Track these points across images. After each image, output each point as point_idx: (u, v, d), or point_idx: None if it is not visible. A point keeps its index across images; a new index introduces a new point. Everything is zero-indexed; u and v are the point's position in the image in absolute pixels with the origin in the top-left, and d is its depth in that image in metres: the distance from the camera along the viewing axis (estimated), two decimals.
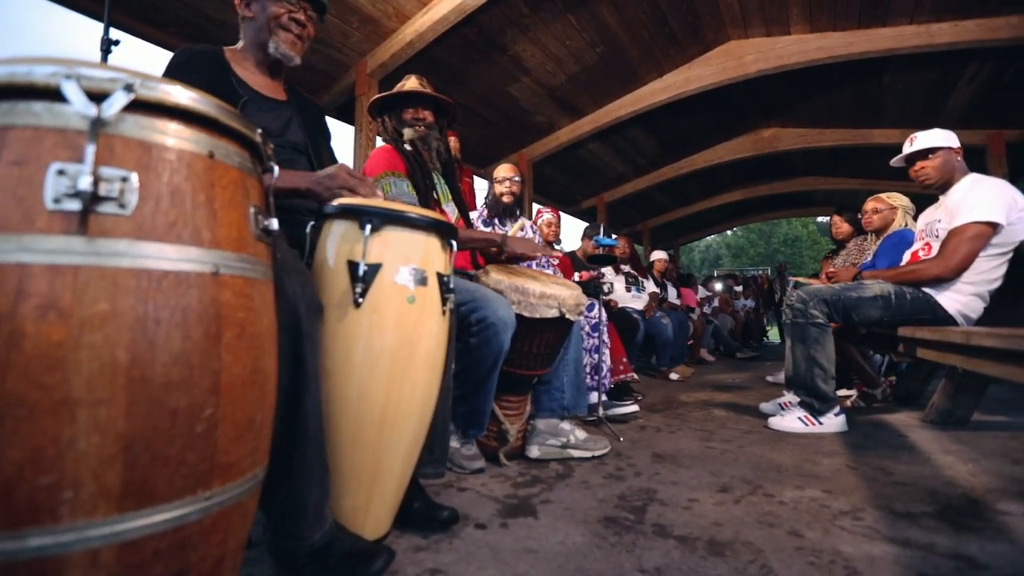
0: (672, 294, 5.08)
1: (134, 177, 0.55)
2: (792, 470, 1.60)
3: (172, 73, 1.17)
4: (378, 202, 1.01)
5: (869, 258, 2.64)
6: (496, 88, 4.51)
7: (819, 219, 26.70)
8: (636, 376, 3.05)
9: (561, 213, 3.50)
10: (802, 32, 4.17)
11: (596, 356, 2.31)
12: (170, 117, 0.59)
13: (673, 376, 3.93)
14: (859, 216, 2.86)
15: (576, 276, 3.11)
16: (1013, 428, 2.13)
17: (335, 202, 1.00)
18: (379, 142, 1.88)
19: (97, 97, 0.54)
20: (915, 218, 2.65)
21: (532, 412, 1.79)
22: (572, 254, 3.62)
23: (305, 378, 0.85)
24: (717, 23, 4.20)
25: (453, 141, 3.17)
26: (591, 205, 7.69)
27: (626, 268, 4.13)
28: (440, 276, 1.04)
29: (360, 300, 0.93)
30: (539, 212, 3.28)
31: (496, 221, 2.54)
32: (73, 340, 0.50)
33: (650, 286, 4.28)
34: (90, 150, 0.52)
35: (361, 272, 0.92)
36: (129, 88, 0.55)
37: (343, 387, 0.94)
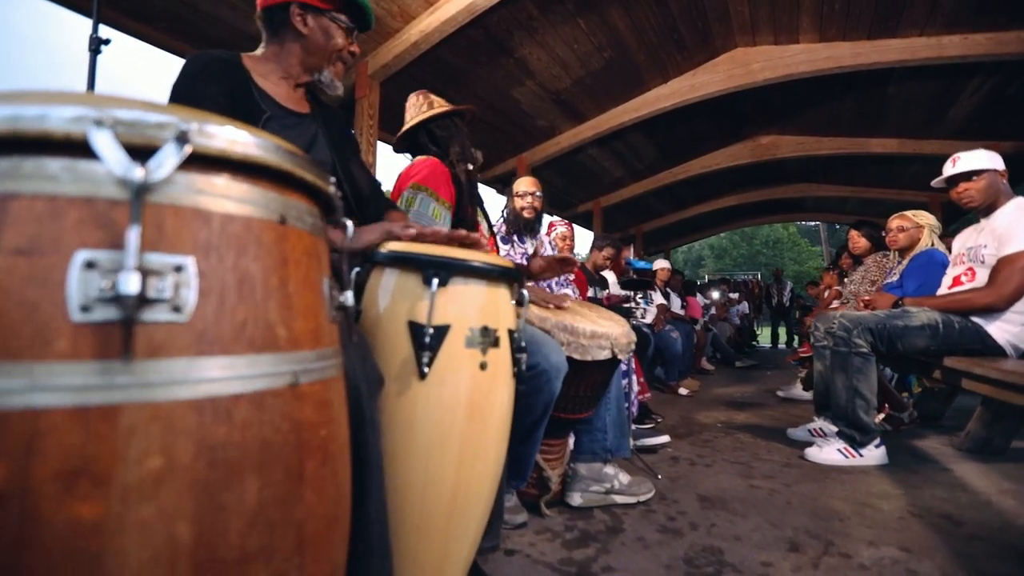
0: (676, 304, 4.99)
1: (191, 264, 0.39)
2: (854, 518, 1.49)
3: (187, 82, 1.00)
4: (436, 248, 0.85)
5: (895, 278, 2.57)
6: (499, 92, 4.35)
7: (800, 222, 27.17)
8: (650, 394, 2.94)
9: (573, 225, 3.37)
10: (811, 41, 4.11)
11: (624, 381, 2.18)
12: (233, 173, 0.43)
13: (682, 391, 3.84)
14: (883, 233, 2.79)
15: (590, 290, 2.98)
16: None
17: (387, 247, 0.85)
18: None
19: (139, 151, 0.38)
20: (940, 237, 2.60)
21: (572, 455, 1.65)
22: (583, 266, 3.49)
23: (369, 475, 0.70)
24: (726, 30, 4.12)
25: None
26: (587, 210, 7.58)
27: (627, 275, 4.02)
28: (512, 334, 0.89)
29: (426, 371, 0.77)
30: (552, 225, 3.14)
31: (515, 237, 2.39)
32: (115, 519, 0.34)
33: (658, 298, 4.18)
34: (133, 234, 0.36)
35: (427, 338, 0.77)
36: (183, 137, 0.39)
37: (406, 473, 0.79)
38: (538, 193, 2.36)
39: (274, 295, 0.45)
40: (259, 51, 1.17)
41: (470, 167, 1.64)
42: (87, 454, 0.34)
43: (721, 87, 4.48)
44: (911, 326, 1.89)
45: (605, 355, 1.36)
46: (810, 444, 2.21)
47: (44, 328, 0.34)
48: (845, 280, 3.47)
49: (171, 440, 0.36)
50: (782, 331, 9.93)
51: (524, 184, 2.34)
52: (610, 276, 3.73)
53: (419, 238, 0.88)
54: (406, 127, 1.71)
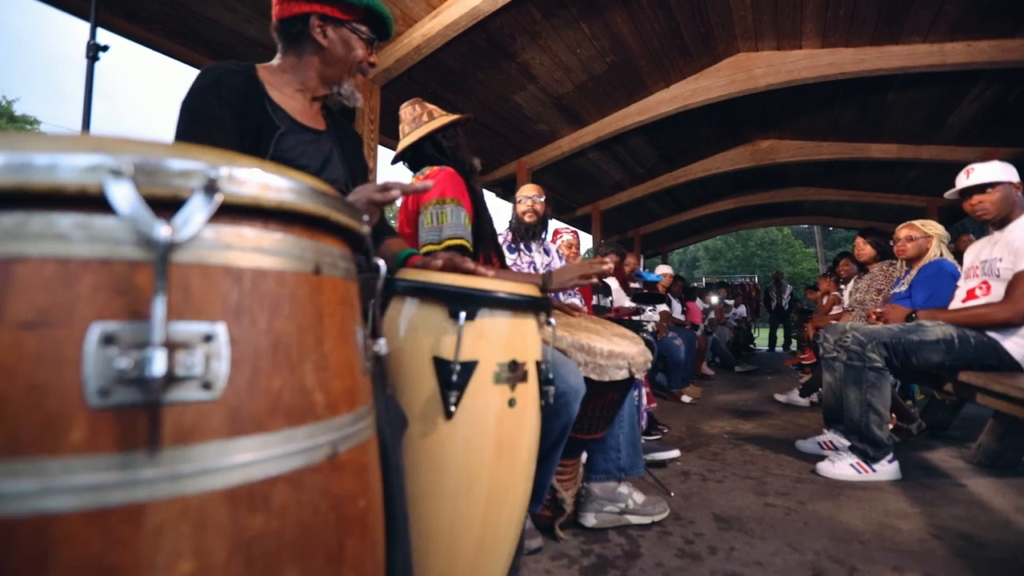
0: (677, 309, 4.97)
1: (222, 332, 0.35)
2: (874, 540, 1.46)
3: (199, 97, 0.95)
4: (459, 278, 0.80)
5: (904, 288, 2.54)
6: (501, 96, 4.31)
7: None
8: (655, 404, 2.90)
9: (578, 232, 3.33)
10: (813, 47, 4.10)
11: (635, 393, 2.14)
12: (265, 221, 0.39)
13: (685, 399, 3.81)
14: (890, 242, 2.77)
15: (594, 298, 2.94)
16: None
17: (407, 276, 0.80)
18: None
19: (162, 203, 0.33)
20: (949, 247, 2.58)
21: (585, 474, 1.61)
22: None
23: (395, 526, 0.65)
24: (728, 35, 4.10)
25: None
26: (586, 213, 7.55)
27: (635, 285, 3.99)
28: (539, 365, 0.85)
29: (453, 410, 0.73)
30: (557, 232, 3.11)
31: (522, 246, 2.35)
32: None
33: (660, 305, 4.15)
34: (160, 306, 0.31)
35: (454, 375, 0.72)
36: (211, 186, 0.34)
37: (432, 518, 0.74)
38: (540, 198, 2.32)
39: (310, 356, 0.40)
40: (275, 62, 1.13)
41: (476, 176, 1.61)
42: (109, 564, 0.29)
43: (723, 92, 4.47)
44: (926, 340, 1.86)
45: (623, 375, 1.32)
46: (820, 457, 2.18)
47: (56, 417, 0.30)
48: (849, 287, 3.45)
49: (203, 539, 0.32)
50: (780, 333, 9.95)
51: (526, 190, 2.31)
52: (613, 283, 3.70)
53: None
54: (412, 139, 1.66)
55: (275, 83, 1.08)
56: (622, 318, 2.45)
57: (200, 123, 0.92)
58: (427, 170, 1.59)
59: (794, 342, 8.93)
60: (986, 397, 1.82)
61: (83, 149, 0.32)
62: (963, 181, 1.99)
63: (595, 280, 1.51)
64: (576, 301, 2.43)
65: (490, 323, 0.77)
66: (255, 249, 0.37)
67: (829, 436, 2.35)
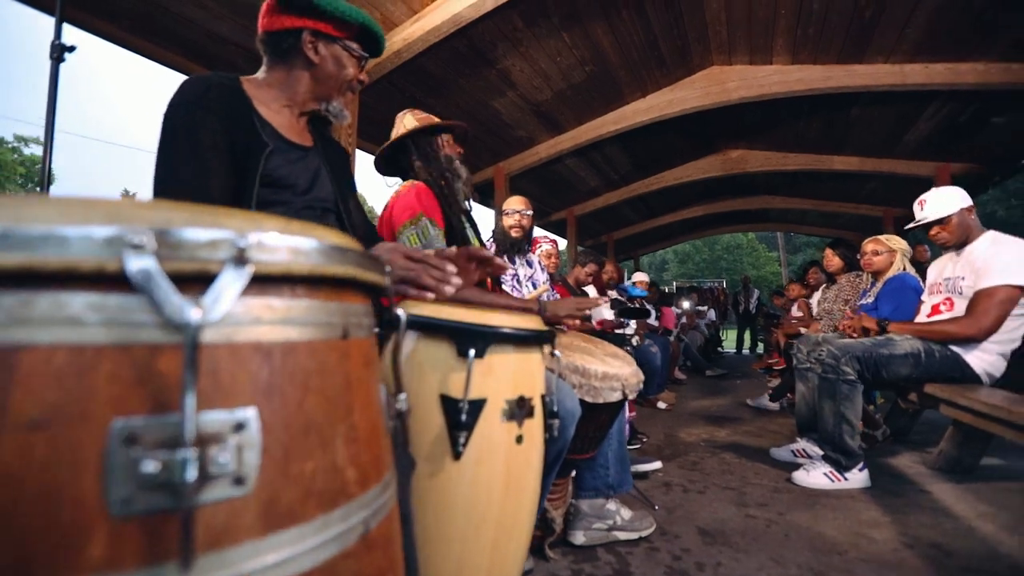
0: (651, 315, 5.05)
1: (254, 418, 0.32)
2: (852, 551, 1.51)
3: (184, 112, 0.89)
4: (464, 313, 0.78)
5: (871, 300, 2.66)
6: (480, 101, 4.29)
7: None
8: (635, 413, 2.93)
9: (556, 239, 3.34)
10: (784, 63, 4.24)
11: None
12: (294, 288, 0.36)
13: (661, 405, 3.87)
14: (857, 256, 2.88)
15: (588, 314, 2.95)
16: (1016, 475, 2.19)
17: (411, 309, 0.77)
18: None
19: (186, 279, 0.30)
20: (911, 260, 2.71)
21: (574, 491, 1.60)
22: (565, 281, 3.46)
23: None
24: (704, 48, 4.19)
25: None
26: (561, 218, 7.61)
27: (613, 294, 4.04)
28: (544, 399, 0.83)
29: (462, 450, 0.71)
30: (536, 241, 3.10)
31: (504, 258, 2.33)
32: None
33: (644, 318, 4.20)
34: (190, 401, 0.28)
35: (463, 415, 0.70)
36: (241, 257, 0.31)
37: (439, 562, 0.71)
38: (527, 212, 2.32)
39: (340, 430, 0.37)
40: (260, 75, 1.07)
41: (459, 185, 1.57)
42: None
43: (698, 103, 4.57)
44: (895, 354, 1.94)
45: (617, 397, 1.32)
46: (794, 465, 2.25)
47: (72, 530, 0.26)
48: (817, 296, 3.58)
49: None
50: (747, 336, 10.26)
51: (513, 203, 2.29)
52: (591, 291, 3.72)
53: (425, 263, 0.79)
54: (385, 145, 1.63)
55: (262, 98, 1.03)
56: (606, 331, 2.46)
57: (191, 144, 0.87)
58: (399, 186, 1.57)
59: (761, 345, 9.22)
60: (949, 408, 1.92)
61: (97, 219, 0.29)
62: (919, 213, 2.10)
63: (587, 313, 1.53)
64: None
65: (499, 359, 0.75)
66: (284, 321, 0.35)
67: (802, 444, 2.42)
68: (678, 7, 3.54)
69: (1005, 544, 1.55)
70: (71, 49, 1.41)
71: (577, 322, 1.48)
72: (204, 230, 0.31)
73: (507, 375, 0.76)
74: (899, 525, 1.70)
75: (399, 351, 0.50)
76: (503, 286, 2.04)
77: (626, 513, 1.60)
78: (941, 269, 2.18)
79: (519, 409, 0.77)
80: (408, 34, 3.10)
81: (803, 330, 4.37)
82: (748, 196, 8.20)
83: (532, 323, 0.80)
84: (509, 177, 5.54)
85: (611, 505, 1.59)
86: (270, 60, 1.06)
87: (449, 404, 0.72)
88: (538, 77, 4.10)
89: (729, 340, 11.30)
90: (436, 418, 0.72)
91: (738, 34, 3.94)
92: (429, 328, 0.75)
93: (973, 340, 1.88)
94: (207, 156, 0.87)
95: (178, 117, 0.89)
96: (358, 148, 3.61)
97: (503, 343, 0.75)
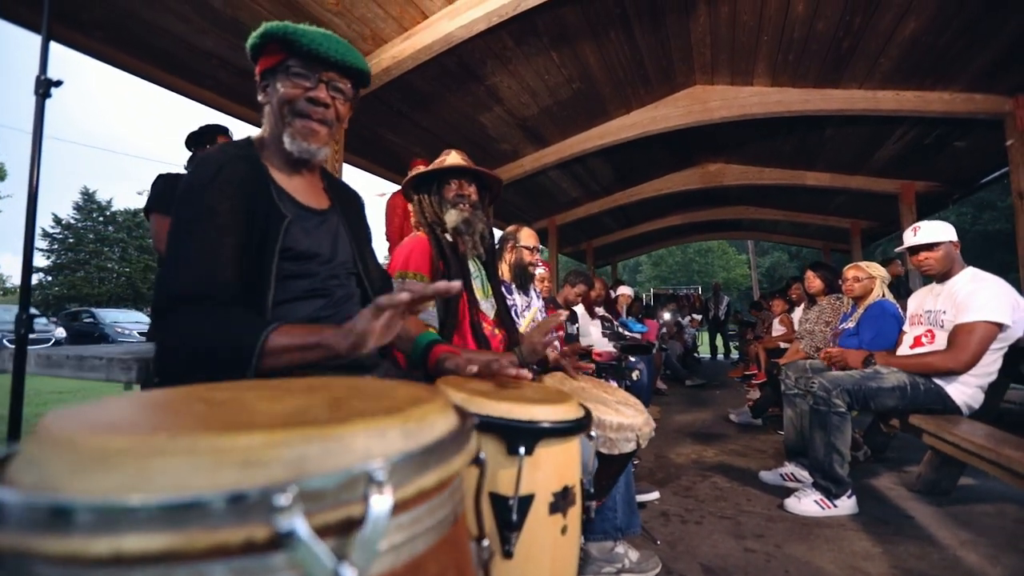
0: (653, 349, 5.10)
1: None
2: None
3: (198, 197, 0.85)
4: (515, 409, 0.75)
5: (852, 324, 2.76)
6: (466, 116, 4.26)
7: None
8: None
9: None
10: (763, 85, 4.36)
11: None
12: (419, 499, 0.34)
13: None
14: (840, 281, 2.98)
15: (580, 341, 2.96)
16: (991, 497, 2.30)
17: (473, 409, 0.75)
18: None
19: (331, 530, 0.28)
20: (889, 287, 2.82)
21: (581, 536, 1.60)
22: (555, 302, 3.47)
23: None
24: (687, 68, 4.27)
25: None
26: (542, 227, 7.63)
27: (600, 311, 4.07)
28: (582, 483, 0.83)
29: (512, 550, 0.69)
30: None
31: (514, 287, 2.32)
32: None
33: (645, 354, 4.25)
34: None
35: (514, 514, 0.69)
36: (379, 491, 0.29)
37: None
38: (541, 248, 2.33)
39: None
40: (263, 130, 1.04)
41: (447, 236, 1.55)
42: None
43: (680, 121, 4.65)
44: (883, 387, 2.02)
45: (631, 447, 1.33)
46: (784, 490, 2.32)
47: None
48: (798, 315, 3.69)
49: None
50: (719, 342, 10.52)
51: (532, 239, 2.27)
52: (579, 309, 3.74)
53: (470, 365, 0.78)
54: (405, 183, 1.63)
55: (271, 159, 1.00)
56: (603, 363, 2.48)
57: (208, 225, 0.83)
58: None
59: (735, 352, 9.46)
60: (933, 439, 2.01)
61: (232, 469, 0.27)
62: (911, 239, 2.18)
63: (558, 329, 1.54)
64: (556, 343, 2.43)
65: (544, 453, 0.74)
66: (411, 538, 0.33)
67: (791, 468, 2.49)
68: (664, 30, 3.60)
69: (983, 569, 1.63)
70: (58, 84, 1.32)
71: (556, 348, 1.48)
72: (341, 472, 0.29)
73: (552, 468, 0.75)
74: (890, 557, 1.77)
75: (481, 495, 0.49)
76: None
77: (633, 555, 1.61)
78: (921, 301, 2.27)
79: (563, 500, 0.76)
80: (398, 52, 3.06)
81: (783, 344, 4.52)
82: (723, 206, 8.41)
83: (572, 412, 0.79)
84: None
85: (619, 548, 1.60)
86: (264, 118, 1.03)
87: (499, 503, 0.70)
88: (525, 93, 4.10)
89: (703, 345, 11.56)
90: (485, 517, 0.71)
91: (721, 57, 4.03)
92: (479, 426, 0.73)
93: (954, 373, 1.98)
94: (222, 238, 0.84)
95: (189, 201, 0.85)
96: (344, 163, 3.53)
97: (553, 437, 0.74)
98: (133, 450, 0.27)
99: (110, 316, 13.60)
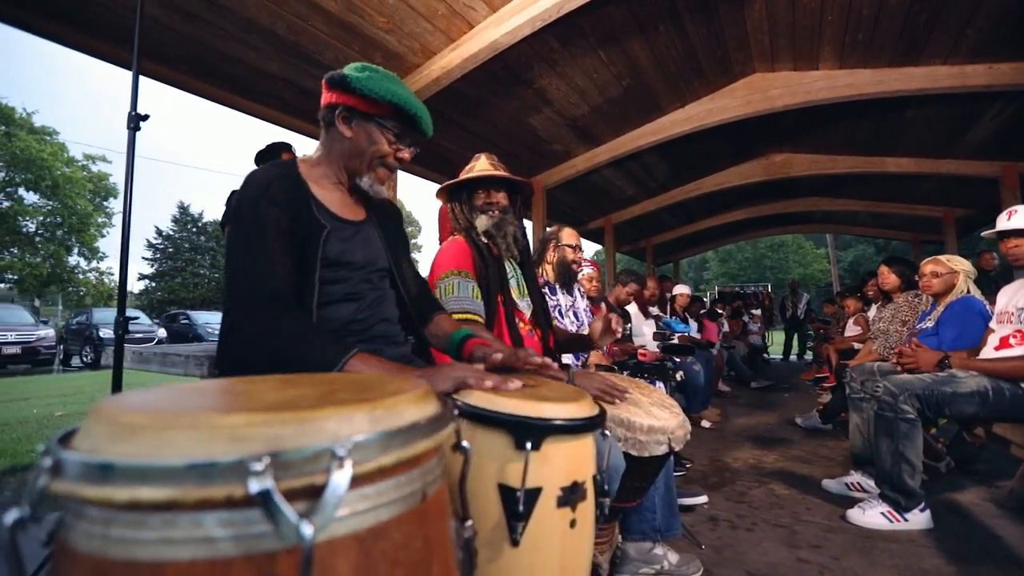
0: (693, 327, 4.94)
1: None
2: None
3: (250, 207, 0.97)
4: (518, 404, 0.80)
5: (930, 324, 2.52)
6: (516, 119, 4.33)
7: None
8: None
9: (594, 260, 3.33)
10: (831, 68, 4.07)
11: None
12: (383, 474, 0.39)
13: (705, 424, 3.80)
14: (916, 277, 2.74)
15: (625, 339, 2.93)
16: None
17: (466, 399, 0.80)
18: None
19: (297, 493, 0.34)
20: (976, 282, 2.55)
21: (620, 534, 1.61)
22: (605, 300, 3.44)
23: None
24: (745, 57, 4.08)
25: None
26: (599, 226, 7.56)
27: (655, 311, 3.98)
28: (595, 479, 0.85)
29: (519, 539, 0.73)
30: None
31: (558, 286, 2.36)
32: None
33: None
34: None
35: (520, 505, 0.73)
36: (340, 465, 0.35)
37: None
38: (580, 246, 2.36)
39: None
40: (314, 152, 1.15)
41: (482, 238, 1.61)
42: None
43: (739, 112, 4.45)
44: (960, 393, 1.84)
45: (662, 451, 1.32)
46: (848, 499, 2.17)
47: None
48: (873, 313, 3.42)
49: None
50: (795, 342, 9.85)
51: (572, 237, 2.32)
52: (632, 309, 3.69)
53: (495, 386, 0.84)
54: (439, 192, 1.72)
55: (315, 176, 1.10)
56: (647, 363, 2.44)
57: (260, 235, 0.95)
58: (444, 245, 1.65)
59: (810, 353, 8.83)
60: (1020, 451, 1.81)
61: (221, 443, 0.33)
62: (1004, 223, 1.97)
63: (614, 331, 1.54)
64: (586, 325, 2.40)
65: (553, 448, 0.78)
66: (375, 507, 0.38)
67: (857, 477, 2.33)
68: (717, 20, 3.47)
69: None
70: (145, 118, 1.53)
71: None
72: (308, 448, 0.35)
73: (561, 463, 0.79)
74: None
75: (465, 480, 0.53)
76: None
77: (673, 557, 1.59)
78: (1011, 296, 2.04)
79: (572, 495, 0.79)
80: (446, 62, 3.18)
81: (856, 345, 4.19)
82: (792, 199, 7.90)
83: (585, 410, 0.82)
84: (546, 190, 5.57)
85: (658, 549, 1.58)
86: (321, 135, 1.13)
87: (507, 493, 0.75)
88: (574, 93, 4.10)
89: (775, 345, 10.89)
90: (494, 506, 0.76)
91: (781, 42, 3.82)
92: (487, 420, 0.78)
93: None
94: (274, 247, 0.95)
95: (244, 211, 0.97)
96: (399, 170, 3.71)
97: (561, 434, 0.78)
98: (151, 425, 0.34)
99: (202, 318, 15.03)
